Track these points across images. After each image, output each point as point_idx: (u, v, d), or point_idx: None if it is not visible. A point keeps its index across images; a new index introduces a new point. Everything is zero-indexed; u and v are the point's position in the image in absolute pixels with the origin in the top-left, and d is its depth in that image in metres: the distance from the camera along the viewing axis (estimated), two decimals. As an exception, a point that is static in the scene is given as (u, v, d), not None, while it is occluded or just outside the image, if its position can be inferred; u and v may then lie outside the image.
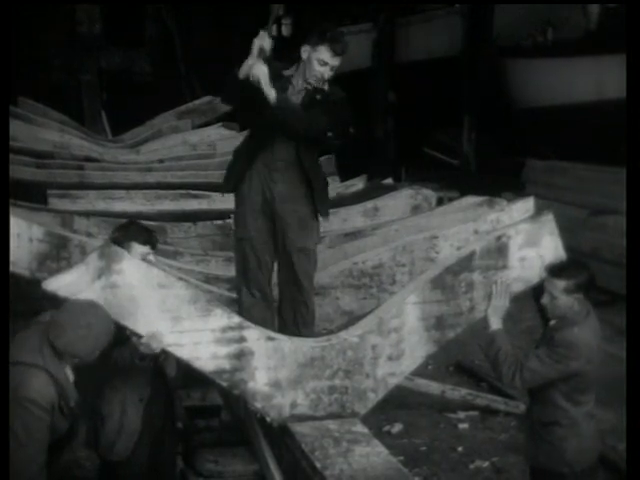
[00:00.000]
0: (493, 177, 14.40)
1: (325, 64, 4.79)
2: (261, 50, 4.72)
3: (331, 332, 5.24)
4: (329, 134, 4.95)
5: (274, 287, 5.24)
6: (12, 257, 4.85)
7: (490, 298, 4.62)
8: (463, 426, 6.94)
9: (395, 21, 19.77)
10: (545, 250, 4.70)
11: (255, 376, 4.39)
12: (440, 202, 8.20)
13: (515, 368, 4.33)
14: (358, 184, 9.01)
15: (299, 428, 4.39)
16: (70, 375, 3.99)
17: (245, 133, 5.55)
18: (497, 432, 6.83)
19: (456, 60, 17.45)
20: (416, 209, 7.36)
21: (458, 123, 17.75)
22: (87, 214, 7.07)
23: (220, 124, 13.46)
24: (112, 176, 10.08)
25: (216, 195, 8.25)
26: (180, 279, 4.62)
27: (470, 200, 6.77)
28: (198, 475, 4.96)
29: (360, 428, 4.44)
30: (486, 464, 6.26)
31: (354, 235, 6.65)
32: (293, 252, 5.02)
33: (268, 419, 4.48)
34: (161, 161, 11.54)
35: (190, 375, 5.02)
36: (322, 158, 6.15)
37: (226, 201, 5.89)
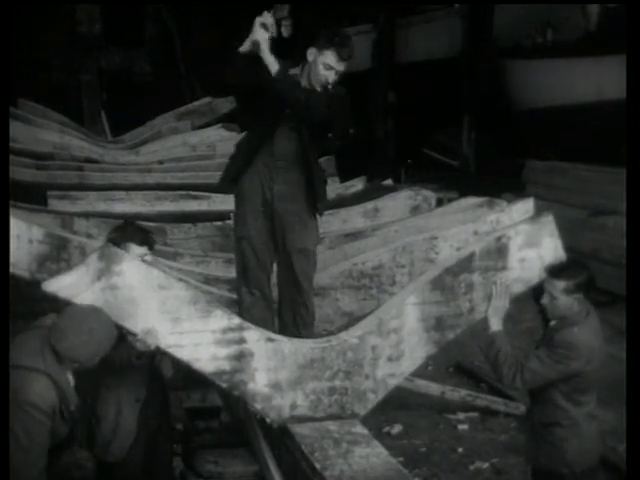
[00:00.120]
0: (493, 178, 14.41)
1: (330, 68, 4.78)
2: (263, 25, 4.70)
3: (331, 333, 5.24)
4: (329, 135, 4.95)
5: (273, 288, 5.24)
6: (12, 258, 4.84)
7: (490, 299, 4.62)
8: (463, 427, 6.94)
9: (395, 22, 19.77)
10: (545, 251, 4.71)
11: (255, 377, 4.39)
12: (440, 203, 8.19)
13: (515, 369, 4.33)
14: (358, 185, 9.00)
15: (299, 429, 4.39)
16: (71, 379, 3.99)
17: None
18: (497, 433, 6.83)
19: (456, 61, 17.46)
20: (416, 210, 7.36)
21: (458, 124, 17.75)
22: (87, 215, 7.05)
23: (220, 125, 13.44)
24: (112, 177, 10.07)
25: (216, 196, 8.26)
26: (180, 280, 4.62)
27: (470, 201, 6.76)
28: (198, 476, 4.96)
29: (360, 429, 4.44)
30: (486, 465, 6.26)
31: (354, 236, 6.64)
32: (293, 253, 5.02)
33: (268, 420, 4.48)
34: (161, 162, 11.52)
35: (190, 376, 5.02)
36: (322, 159, 6.14)
37: (226, 202, 5.90)
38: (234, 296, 5.35)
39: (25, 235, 5.21)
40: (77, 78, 20.02)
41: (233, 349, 4.34)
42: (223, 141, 12.23)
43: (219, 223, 7.04)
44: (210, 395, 5.87)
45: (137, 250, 4.48)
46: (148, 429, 4.62)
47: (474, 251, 4.68)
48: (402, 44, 19.60)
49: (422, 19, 19.70)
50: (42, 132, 12.72)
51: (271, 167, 4.99)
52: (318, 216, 5.16)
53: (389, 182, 9.22)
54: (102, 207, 8.27)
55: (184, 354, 4.29)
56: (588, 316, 4.37)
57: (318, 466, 3.99)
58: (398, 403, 6.65)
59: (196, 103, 15.38)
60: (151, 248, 4.64)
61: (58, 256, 5.33)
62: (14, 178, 7.69)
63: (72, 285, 4.07)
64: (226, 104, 14.73)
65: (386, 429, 6.77)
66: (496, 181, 13.58)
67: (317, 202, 5.08)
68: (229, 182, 5.19)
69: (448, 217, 6.57)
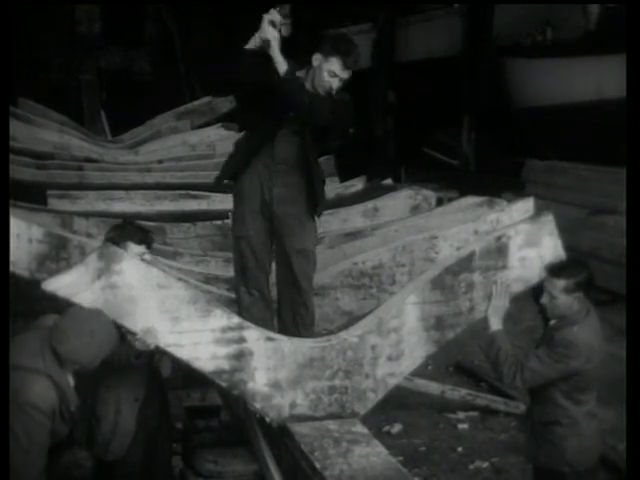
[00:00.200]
0: (493, 177, 14.40)
1: (335, 75, 4.77)
2: (272, 23, 4.66)
3: (331, 332, 5.24)
4: (330, 138, 4.94)
5: (273, 287, 5.24)
6: (12, 257, 4.84)
7: (490, 298, 4.62)
8: (463, 426, 6.94)
9: (395, 21, 19.76)
10: (545, 250, 4.70)
11: (255, 376, 4.39)
12: (440, 202, 8.19)
13: (515, 368, 4.34)
14: (358, 184, 9.00)
15: (299, 428, 4.39)
16: (71, 380, 3.99)
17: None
18: (497, 432, 6.83)
19: (456, 60, 17.44)
20: (416, 209, 7.35)
21: (458, 123, 17.74)
22: (87, 215, 7.05)
23: (219, 125, 13.45)
24: (111, 177, 10.07)
25: (215, 195, 8.25)
26: (180, 279, 4.62)
27: (470, 200, 6.76)
28: (198, 475, 4.96)
29: (360, 428, 4.43)
30: (486, 464, 6.26)
31: (354, 235, 6.64)
32: (292, 254, 5.01)
33: (268, 419, 4.48)
34: (160, 162, 11.53)
35: (190, 375, 5.02)
36: (322, 158, 6.14)
37: (225, 201, 5.89)
38: (234, 295, 5.35)
39: (25, 234, 5.21)
40: (77, 78, 20.04)
41: (233, 348, 4.34)
42: (223, 140, 12.23)
43: (218, 222, 7.03)
44: (210, 394, 5.87)
45: (135, 249, 4.48)
46: (147, 428, 4.62)
47: (474, 250, 4.68)
48: (402, 43, 19.59)
49: (422, 18, 19.69)
50: (42, 131, 12.74)
51: (271, 169, 4.98)
52: (317, 217, 5.16)
53: (389, 181, 9.20)
54: (102, 206, 8.27)
55: (184, 353, 4.29)
56: (588, 315, 4.37)
57: (318, 465, 3.98)
58: (398, 402, 6.66)
59: (196, 102, 15.40)
60: (149, 247, 4.64)
61: (58, 255, 5.32)
62: (14, 177, 7.69)
63: (72, 284, 4.07)
64: (226, 103, 14.75)
65: (386, 428, 6.77)
66: (496, 180, 13.58)
67: (317, 205, 5.08)
68: (227, 179, 5.18)
69: (448, 216, 6.57)
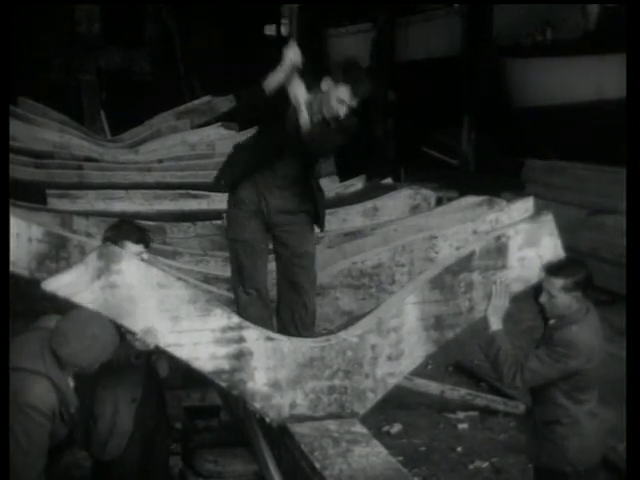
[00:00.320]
0: (492, 177, 14.40)
1: (343, 102, 4.76)
2: (293, 63, 4.65)
3: (331, 332, 5.24)
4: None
5: (272, 287, 5.23)
6: (11, 257, 4.84)
7: (489, 298, 4.62)
8: (462, 426, 6.94)
9: (395, 21, 19.78)
10: (544, 250, 4.70)
11: (254, 376, 4.39)
12: (439, 202, 8.19)
13: (516, 368, 4.33)
14: (357, 184, 9.00)
15: (298, 428, 4.38)
16: (70, 382, 3.99)
17: (247, 132, 5.49)
18: (496, 432, 6.83)
19: (456, 60, 17.45)
20: (415, 209, 7.36)
21: (458, 123, 17.74)
22: (86, 214, 7.05)
23: (219, 124, 13.46)
24: (111, 176, 10.07)
25: (215, 195, 8.25)
26: (179, 279, 4.61)
27: (469, 200, 6.76)
28: (197, 475, 4.96)
29: (359, 428, 4.43)
30: (485, 464, 6.26)
31: (353, 235, 6.64)
32: (292, 256, 5.03)
33: (267, 419, 4.48)
34: (160, 161, 11.53)
35: (189, 375, 5.02)
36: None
37: (225, 201, 5.86)
38: (233, 295, 5.35)
39: (24, 234, 5.21)
40: (77, 78, 20.06)
41: (232, 348, 4.34)
42: (222, 140, 12.24)
43: (218, 222, 7.03)
44: (209, 394, 5.87)
45: (133, 248, 4.48)
46: (144, 428, 4.62)
47: (474, 250, 4.68)
48: (402, 43, 19.61)
49: (422, 18, 19.71)
50: (42, 131, 12.74)
51: (271, 184, 4.97)
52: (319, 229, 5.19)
53: (389, 181, 9.21)
54: (101, 206, 8.27)
55: (183, 353, 4.29)
56: (587, 314, 4.37)
57: (317, 465, 3.98)
58: (397, 402, 6.65)
59: (195, 102, 15.41)
60: (147, 246, 4.64)
61: (57, 255, 5.33)
62: (14, 177, 7.69)
63: (71, 284, 4.07)
64: (225, 103, 14.77)
65: (385, 428, 6.77)
66: (496, 180, 13.58)
67: (318, 218, 5.09)
68: (224, 189, 5.18)
69: (448, 216, 6.57)
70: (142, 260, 4.40)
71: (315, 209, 5.05)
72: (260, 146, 4.99)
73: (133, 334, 4.20)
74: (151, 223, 6.72)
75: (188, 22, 21.68)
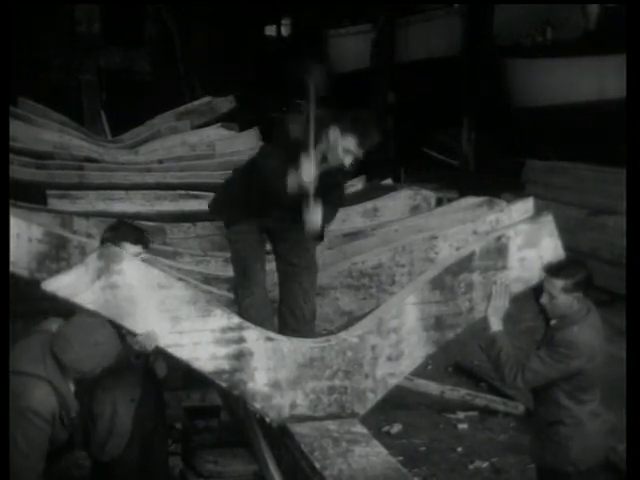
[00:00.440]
0: (493, 177, 14.40)
1: (350, 152, 4.77)
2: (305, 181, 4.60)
3: (331, 332, 5.24)
4: None
5: (274, 288, 5.24)
6: (11, 257, 4.84)
7: (490, 299, 4.62)
8: (462, 426, 6.94)
9: (395, 21, 19.78)
10: (545, 251, 4.70)
11: (254, 377, 4.39)
12: (439, 202, 8.18)
13: (517, 369, 4.33)
14: (357, 184, 8.99)
15: (298, 428, 4.38)
16: (71, 386, 3.99)
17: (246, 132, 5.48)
18: (496, 432, 6.83)
19: (455, 60, 17.45)
20: (415, 209, 7.35)
21: (458, 123, 17.75)
22: (86, 214, 7.05)
23: (219, 124, 13.45)
24: (111, 177, 10.05)
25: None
26: (180, 279, 4.62)
27: (469, 200, 6.76)
28: (198, 475, 4.96)
29: (359, 428, 4.43)
30: (485, 464, 6.26)
31: (353, 235, 6.64)
32: (293, 258, 5.04)
33: (267, 420, 4.48)
34: (160, 161, 11.52)
35: (189, 376, 5.02)
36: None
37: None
38: (233, 295, 5.35)
39: (25, 234, 5.21)
40: (77, 78, 20.05)
41: (232, 348, 4.34)
42: (222, 140, 12.24)
43: (218, 222, 7.03)
44: (210, 394, 5.86)
45: (131, 249, 4.48)
46: (143, 429, 4.62)
47: (474, 251, 4.68)
48: (402, 43, 19.61)
49: (422, 18, 19.72)
50: (42, 131, 12.73)
51: (270, 225, 5.02)
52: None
53: (389, 182, 9.21)
54: (102, 206, 8.26)
55: (183, 353, 4.29)
56: (588, 314, 4.37)
57: (318, 465, 3.98)
58: (397, 402, 6.65)
59: (195, 102, 15.39)
60: (146, 247, 4.65)
61: (57, 255, 5.33)
62: (14, 177, 7.68)
63: (71, 284, 4.07)
64: (225, 103, 14.76)
65: (385, 428, 6.77)
66: (496, 180, 13.58)
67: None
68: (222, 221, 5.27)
69: (448, 216, 6.57)
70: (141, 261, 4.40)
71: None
72: (258, 198, 4.94)
73: (133, 335, 4.20)
74: (151, 224, 6.73)
75: (188, 22, 21.70)
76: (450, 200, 8.50)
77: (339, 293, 5.80)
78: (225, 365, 4.34)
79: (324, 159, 4.78)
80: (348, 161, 4.79)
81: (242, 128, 12.90)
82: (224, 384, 4.40)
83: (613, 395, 5.30)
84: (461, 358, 8.11)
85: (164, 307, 4.20)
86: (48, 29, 20.17)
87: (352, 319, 5.52)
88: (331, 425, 4.43)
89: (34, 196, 7.95)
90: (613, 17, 14.20)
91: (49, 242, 5.32)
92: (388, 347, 4.56)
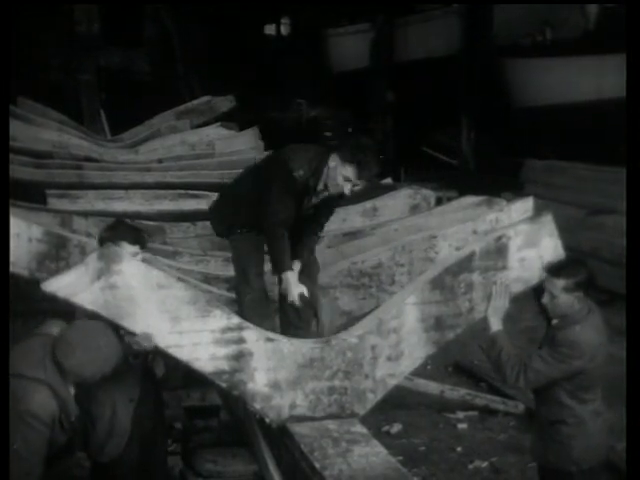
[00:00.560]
0: (492, 177, 14.42)
1: (349, 181, 4.80)
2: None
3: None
4: None
5: (274, 287, 5.24)
6: (11, 257, 4.84)
7: (490, 299, 4.62)
8: (462, 426, 6.94)
9: (393, 21, 19.78)
10: (545, 251, 4.70)
11: (254, 377, 4.39)
12: (439, 202, 8.19)
13: (519, 369, 4.33)
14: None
15: (298, 429, 4.38)
16: (71, 389, 3.98)
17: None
18: (496, 432, 6.83)
19: (455, 60, 17.46)
20: (415, 209, 7.35)
21: (457, 123, 17.77)
22: (86, 214, 7.05)
23: (219, 124, 13.44)
24: (111, 176, 10.05)
25: (215, 195, 8.24)
26: (179, 279, 4.62)
27: (469, 200, 6.76)
28: (197, 475, 4.97)
29: (359, 428, 4.43)
30: (485, 464, 6.26)
31: (353, 235, 6.64)
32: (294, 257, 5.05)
33: (267, 420, 4.48)
34: (160, 161, 11.51)
35: (189, 375, 5.02)
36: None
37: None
38: (233, 295, 5.35)
39: (24, 234, 5.22)
40: (76, 77, 20.02)
41: (232, 349, 4.34)
42: (222, 139, 12.23)
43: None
44: (209, 394, 5.87)
45: (129, 249, 4.48)
46: (142, 428, 4.61)
47: (474, 251, 4.68)
48: (401, 43, 19.62)
49: (421, 18, 19.73)
50: (41, 131, 12.71)
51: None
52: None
53: (388, 181, 9.20)
54: (101, 206, 8.25)
55: (183, 354, 4.29)
56: (590, 314, 4.37)
57: (317, 465, 3.98)
58: (397, 402, 6.65)
59: (195, 102, 15.37)
60: (143, 247, 4.65)
61: (57, 255, 5.33)
62: (13, 177, 7.66)
63: (71, 284, 4.07)
64: (225, 103, 14.75)
65: (385, 428, 6.77)
66: (495, 180, 13.59)
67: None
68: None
69: (447, 216, 6.57)
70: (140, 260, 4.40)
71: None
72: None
73: (132, 335, 4.19)
74: (151, 223, 6.73)
75: (187, 22, 21.69)
76: (450, 199, 8.50)
77: (339, 292, 5.81)
78: (225, 365, 4.34)
79: (325, 188, 4.85)
80: (347, 189, 4.82)
81: (241, 127, 12.90)
82: (224, 384, 4.39)
83: (612, 395, 5.30)
84: (461, 358, 8.12)
85: (164, 307, 4.20)
86: (48, 29, 20.16)
87: (352, 319, 5.52)
88: (331, 425, 4.42)
89: (33, 195, 7.95)
90: (612, 17, 14.21)
91: (49, 242, 5.33)
92: (388, 347, 4.56)
